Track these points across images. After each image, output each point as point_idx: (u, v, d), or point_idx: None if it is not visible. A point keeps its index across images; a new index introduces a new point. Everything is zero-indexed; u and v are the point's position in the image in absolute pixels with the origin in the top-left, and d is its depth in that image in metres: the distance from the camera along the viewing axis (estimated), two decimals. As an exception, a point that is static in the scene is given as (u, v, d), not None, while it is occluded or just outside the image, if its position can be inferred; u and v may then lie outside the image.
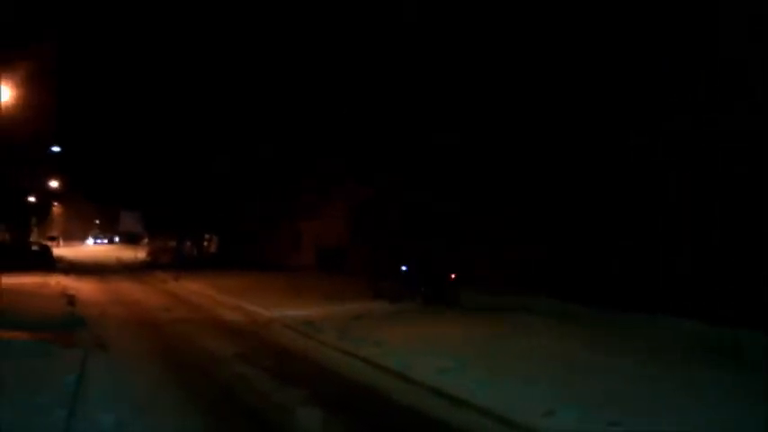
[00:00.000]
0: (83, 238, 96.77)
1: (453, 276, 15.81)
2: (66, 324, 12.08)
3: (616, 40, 12.38)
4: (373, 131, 21.49)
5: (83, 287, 21.41)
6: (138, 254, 49.54)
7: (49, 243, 44.50)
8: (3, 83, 20.65)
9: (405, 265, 17.00)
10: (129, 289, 22.22)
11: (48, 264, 30.94)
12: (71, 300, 16.53)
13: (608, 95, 12.98)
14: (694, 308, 11.34)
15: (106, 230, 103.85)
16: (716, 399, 6.74)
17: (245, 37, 26.44)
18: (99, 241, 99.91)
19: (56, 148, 36.40)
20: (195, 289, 21.75)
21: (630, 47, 12.21)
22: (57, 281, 22.20)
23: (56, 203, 63.68)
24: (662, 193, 13.04)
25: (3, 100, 21.42)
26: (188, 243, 44.61)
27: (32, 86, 23.49)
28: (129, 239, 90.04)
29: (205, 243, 46.09)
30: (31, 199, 44.21)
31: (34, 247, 35.53)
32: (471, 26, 15.30)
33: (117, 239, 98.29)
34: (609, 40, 12.48)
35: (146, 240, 64.62)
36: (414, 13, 16.61)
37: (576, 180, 14.75)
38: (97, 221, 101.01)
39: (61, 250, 53.84)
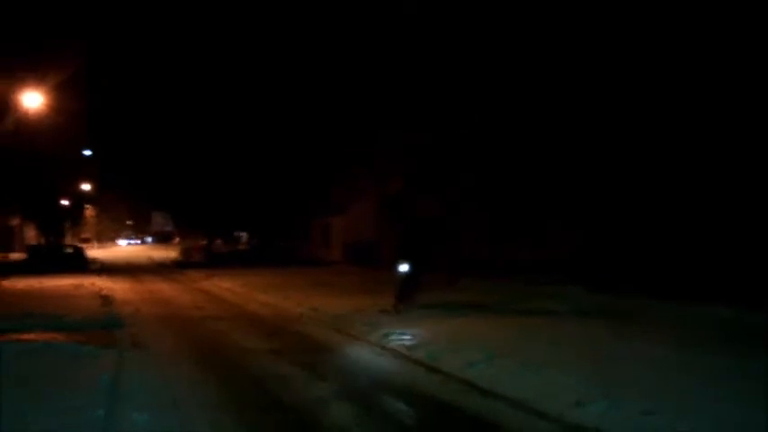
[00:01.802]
0: (115, 240, 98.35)
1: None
2: (102, 324, 12.32)
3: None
4: (399, 118, 21.58)
5: (116, 287, 21.79)
6: (171, 253, 50.23)
7: (82, 245, 45.35)
8: (34, 89, 21.09)
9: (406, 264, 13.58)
10: (162, 288, 22.57)
11: (81, 265, 31.57)
12: (106, 300, 16.84)
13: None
14: (726, 293, 11.23)
15: (138, 231, 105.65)
16: (752, 388, 6.63)
17: (264, 39, 26.65)
18: (131, 242, 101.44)
19: (87, 152, 37.08)
20: (227, 286, 22.00)
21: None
22: (91, 282, 22.61)
23: (88, 206, 64.76)
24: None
25: (34, 106, 21.91)
26: (219, 241, 45.11)
27: (63, 92, 23.93)
28: (161, 239, 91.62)
29: (237, 241, 46.62)
30: (65, 202, 45.08)
31: (68, 250, 36.25)
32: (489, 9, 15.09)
33: (149, 239, 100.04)
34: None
35: (177, 239, 65.47)
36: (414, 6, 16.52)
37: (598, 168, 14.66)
38: (129, 222, 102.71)
39: (94, 252, 54.81)
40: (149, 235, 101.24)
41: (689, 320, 10.91)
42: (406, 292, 13.00)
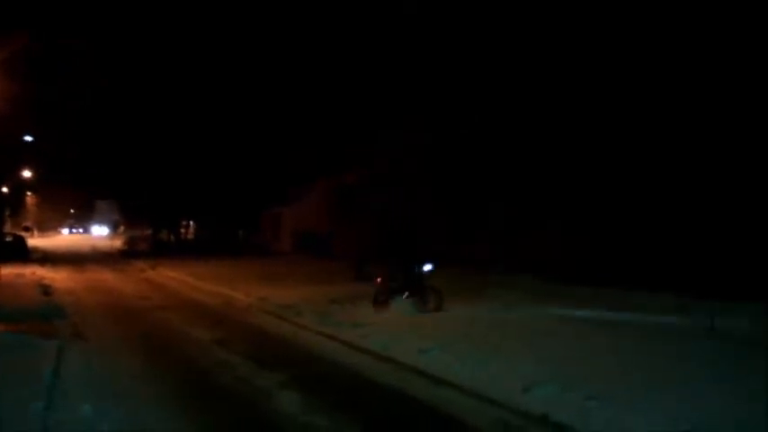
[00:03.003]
0: (58, 229, 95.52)
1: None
2: (43, 314, 11.91)
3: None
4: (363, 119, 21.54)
5: (58, 277, 21.16)
6: (115, 243, 49.08)
7: (23, 234, 43.85)
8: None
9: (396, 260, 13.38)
10: (106, 278, 22.01)
11: (22, 254, 30.52)
12: (47, 290, 16.34)
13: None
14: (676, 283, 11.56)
15: (82, 220, 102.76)
16: (701, 374, 6.82)
17: (217, 27, 26.15)
18: (74, 231, 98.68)
19: (28, 138, 35.76)
20: (173, 276, 21.60)
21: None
22: (32, 271, 21.93)
23: (29, 194, 62.71)
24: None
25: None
26: (165, 231, 44.21)
27: (2, 76, 23.03)
28: (107, 228, 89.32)
29: (183, 230, 45.74)
30: (4, 189, 43.50)
31: (8, 238, 34.95)
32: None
33: (93, 229, 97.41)
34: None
35: (122, 229, 63.96)
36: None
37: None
38: (72, 211, 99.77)
39: (36, 241, 53.09)
40: (93, 224, 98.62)
41: (638, 307, 11.14)
42: (396, 288, 12.42)
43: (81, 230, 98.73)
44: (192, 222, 45.90)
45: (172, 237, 43.36)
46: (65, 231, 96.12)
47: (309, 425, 5.71)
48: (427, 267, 12.45)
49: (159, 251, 36.25)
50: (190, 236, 45.45)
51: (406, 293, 12.04)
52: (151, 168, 36.09)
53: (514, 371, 7.01)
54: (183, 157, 34.20)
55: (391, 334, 9.42)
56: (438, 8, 15.72)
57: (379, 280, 12.49)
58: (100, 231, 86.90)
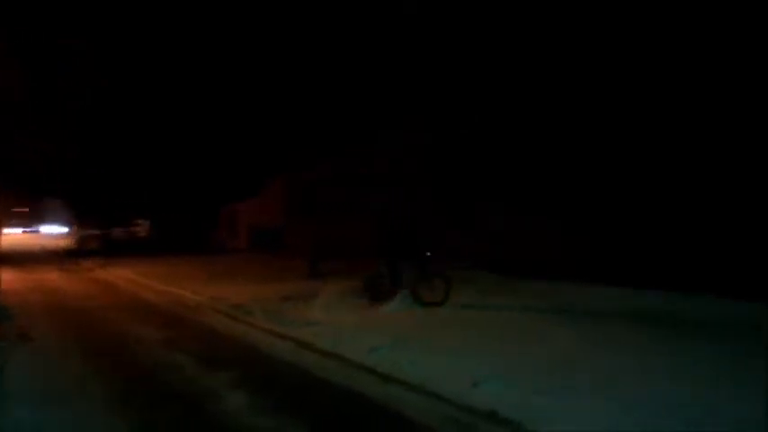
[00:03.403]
0: (1, 227, 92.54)
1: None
2: (-17, 315, 11.53)
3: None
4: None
5: (4, 278, 20.42)
6: (65, 241, 47.83)
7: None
8: None
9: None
10: (53, 278, 21.39)
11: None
12: (-11, 290, 15.82)
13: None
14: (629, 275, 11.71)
15: (30, 219, 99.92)
16: (653, 366, 6.89)
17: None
18: (22, 230, 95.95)
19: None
20: (123, 275, 21.11)
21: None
22: (-26, 272, 21.22)
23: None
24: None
25: None
26: (117, 229, 43.21)
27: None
28: (56, 227, 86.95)
29: (137, 228, 44.79)
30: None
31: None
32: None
33: (42, 227, 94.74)
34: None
35: (74, 228, 62.39)
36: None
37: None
38: (18, 210, 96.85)
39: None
40: (42, 222, 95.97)
41: (596, 302, 11.23)
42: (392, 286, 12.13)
43: (29, 229, 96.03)
44: (146, 220, 44.96)
45: (124, 235, 42.40)
46: (11, 230, 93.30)
47: (255, 426, 5.61)
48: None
49: (110, 250, 35.43)
50: (143, 234, 44.51)
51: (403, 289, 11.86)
52: (101, 163, 35.14)
53: (465, 366, 7.01)
54: (135, 152, 33.34)
55: (343, 332, 9.35)
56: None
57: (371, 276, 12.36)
58: (51, 230, 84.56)
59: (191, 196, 34.86)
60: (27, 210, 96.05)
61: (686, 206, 11.54)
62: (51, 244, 49.57)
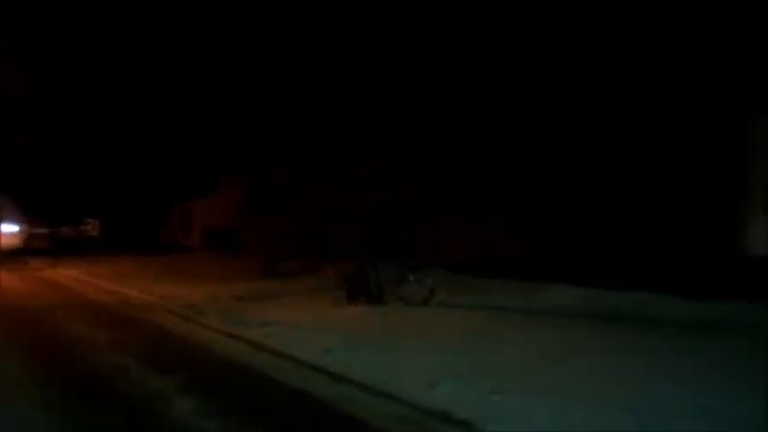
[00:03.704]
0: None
1: None
2: None
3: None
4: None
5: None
6: (12, 241, 46.36)
7: None
8: None
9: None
10: (-2, 277, 20.64)
11: None
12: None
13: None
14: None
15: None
16: (601, 367, 6.87)
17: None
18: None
19: None
20: (71, 275, 20.50)
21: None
22: None
23: None
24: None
25: None
26: (66, 228, 42.09)
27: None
28: (12, 225, 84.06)
29: (87, 227, 43.65)
30: None
31: None
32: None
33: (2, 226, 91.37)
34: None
35: (25, 227, 60.64)
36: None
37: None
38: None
39: None
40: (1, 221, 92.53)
41: (546, 301, 11.27)
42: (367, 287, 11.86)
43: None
44: (96, 219, 43.86)
45: (73, 234, 41.31)
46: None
47: (203, 429, 5.38)
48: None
49: (60, 249, 34.54)
50: (94, 233, 43.42)
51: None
52: (49, 159, 34.13)
53: (422, 366, 6.88)
54: (85, 148, 32.44)
55: (298, 332, 9.15)
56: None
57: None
58: (9, 229, 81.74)
59: (142, 194, 34.13)
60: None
61: (648, 207, 11.68)
62: (6, 243, 47.93)
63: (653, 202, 11.68)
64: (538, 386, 6.12)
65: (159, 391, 6.53)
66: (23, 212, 46.79)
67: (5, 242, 40.52)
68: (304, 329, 9.46)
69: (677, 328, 8.77)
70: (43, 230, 42.75)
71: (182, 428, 5.45)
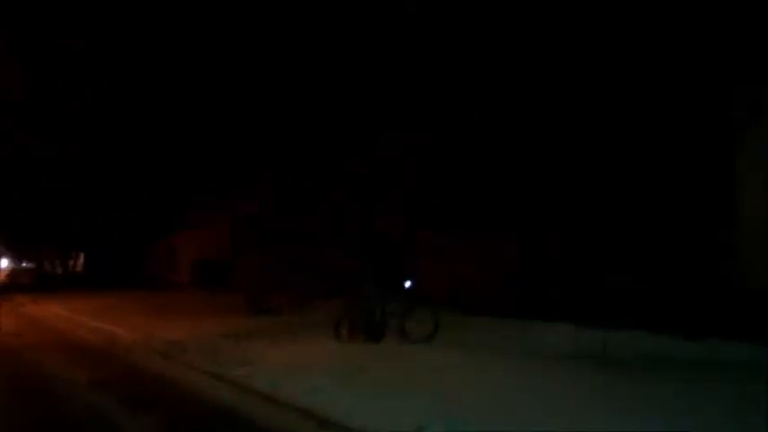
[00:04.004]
0: None
1: None
2: None
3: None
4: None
5: None
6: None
7: None
8: None
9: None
10: (-22, 314, 20.22)
11: None
12: None
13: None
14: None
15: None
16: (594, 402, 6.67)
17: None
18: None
19: None
20: (54, 311, 20.14)
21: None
22: None
23: None
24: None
25: None
26: (51, 263, 41.56)
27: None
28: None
29: (72, 262, 43.10)
30: None
31: None
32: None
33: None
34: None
35: (10, 262, 60.03)
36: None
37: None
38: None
39: None
40: None
41: (554, 342, 10.87)
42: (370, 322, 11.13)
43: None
44: (81, 254, 43.32)
45: (59, 269, 40.77)
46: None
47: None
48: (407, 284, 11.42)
49: (44, 285, 34.07)
50: (79, 269, 42.88)
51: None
52: (33, 195, 33.72)
53: (408, 408, 6.65)
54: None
55: (284, 372, 8.87)
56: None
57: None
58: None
59: (127, 228, 33.70)
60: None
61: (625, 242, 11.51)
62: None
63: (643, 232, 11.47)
64: (536, 426, 5.91)
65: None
66: (7, 247, 46.18)
67: None
68: (287, 367, 9.14)
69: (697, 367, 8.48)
70: (29, 266, 42.31)
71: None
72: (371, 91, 17.13)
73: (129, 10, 24.89)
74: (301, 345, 11.09)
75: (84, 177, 31.34)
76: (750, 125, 10.12)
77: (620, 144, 11.63)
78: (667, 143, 10.92)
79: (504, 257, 13.81)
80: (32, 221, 35.43)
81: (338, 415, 6.62)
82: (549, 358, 9.31)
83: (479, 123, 14.59)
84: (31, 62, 26.36)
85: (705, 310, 10.09)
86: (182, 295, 23.69)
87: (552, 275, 12.63)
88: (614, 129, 11.68)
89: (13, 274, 41.51)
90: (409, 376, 8.34)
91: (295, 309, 16.52)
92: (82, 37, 25.39)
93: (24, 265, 45.10)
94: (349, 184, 18.54)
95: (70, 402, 7.82)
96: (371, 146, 17.33)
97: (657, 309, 10.55)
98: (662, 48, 10.96)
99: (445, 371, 8.55)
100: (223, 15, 22.13)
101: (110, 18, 25.32)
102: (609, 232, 11.73)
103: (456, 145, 15.02)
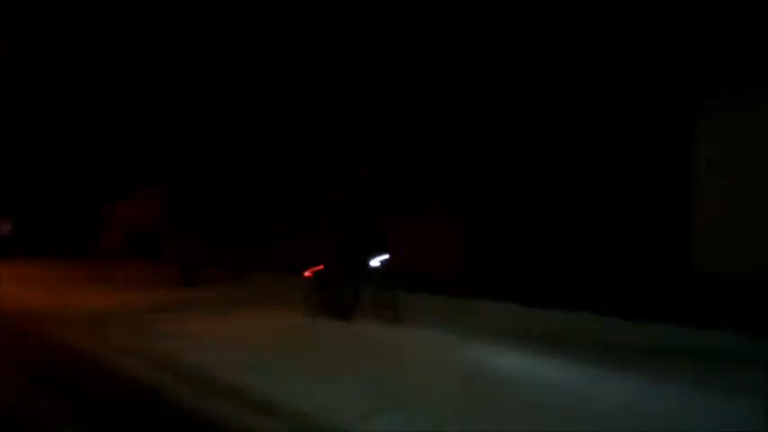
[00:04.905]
0: None
1: None
2: None
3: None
4: None
5: None
6: None
7: None
8: None
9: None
10: None
11: None
12: None
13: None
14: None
15: None
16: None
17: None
18: None
19: None
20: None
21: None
22: None
23: None
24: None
25: None
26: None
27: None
28: None
29: (1, 227, 40.96)
30: None
31: None
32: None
33: None
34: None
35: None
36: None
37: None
38: None
39: None
40: None
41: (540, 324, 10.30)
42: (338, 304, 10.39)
43: None
44: (9, 220, 41.21)
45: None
46: None
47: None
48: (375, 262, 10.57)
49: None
50: (6, 234, 40.75)
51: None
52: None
53: (355, 394, 5.94)
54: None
55: (221, 348, 8.04)
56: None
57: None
58: None
59: (64, 193, 32.28)
60: None
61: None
62: None
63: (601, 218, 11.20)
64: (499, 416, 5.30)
65: (45, 416, 5.53)
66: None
67: None
68: (224, 342, 8.34)
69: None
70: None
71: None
72: (371, 91, 16.81)
73: (129, 10, 24.50)
74: (236, 318, 10.30)
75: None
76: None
77: (578, 127, 11.37)
78: (625, 128, 10.66)
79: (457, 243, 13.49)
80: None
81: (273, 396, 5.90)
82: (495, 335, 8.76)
83: (479, 123, 14.37)
84: (31, 62, 26.33)
85: (660, 294, 9.88)
86: (113, 265, 22.44)
87: (508, 257, 12.31)
88: (577, 116, 11.41)
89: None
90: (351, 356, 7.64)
91: (232, 281, 15.84)
92: (82, 37, 25.45)
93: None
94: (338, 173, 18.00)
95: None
96: (371, 146, 16.91)
97: (611, 293, 10.27)
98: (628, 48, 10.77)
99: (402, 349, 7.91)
100: (223, 15, 21.59)
101: (110, 18, 25.10)
102: (569, 221, 11.41)
103: (456, 145, 14.70)
